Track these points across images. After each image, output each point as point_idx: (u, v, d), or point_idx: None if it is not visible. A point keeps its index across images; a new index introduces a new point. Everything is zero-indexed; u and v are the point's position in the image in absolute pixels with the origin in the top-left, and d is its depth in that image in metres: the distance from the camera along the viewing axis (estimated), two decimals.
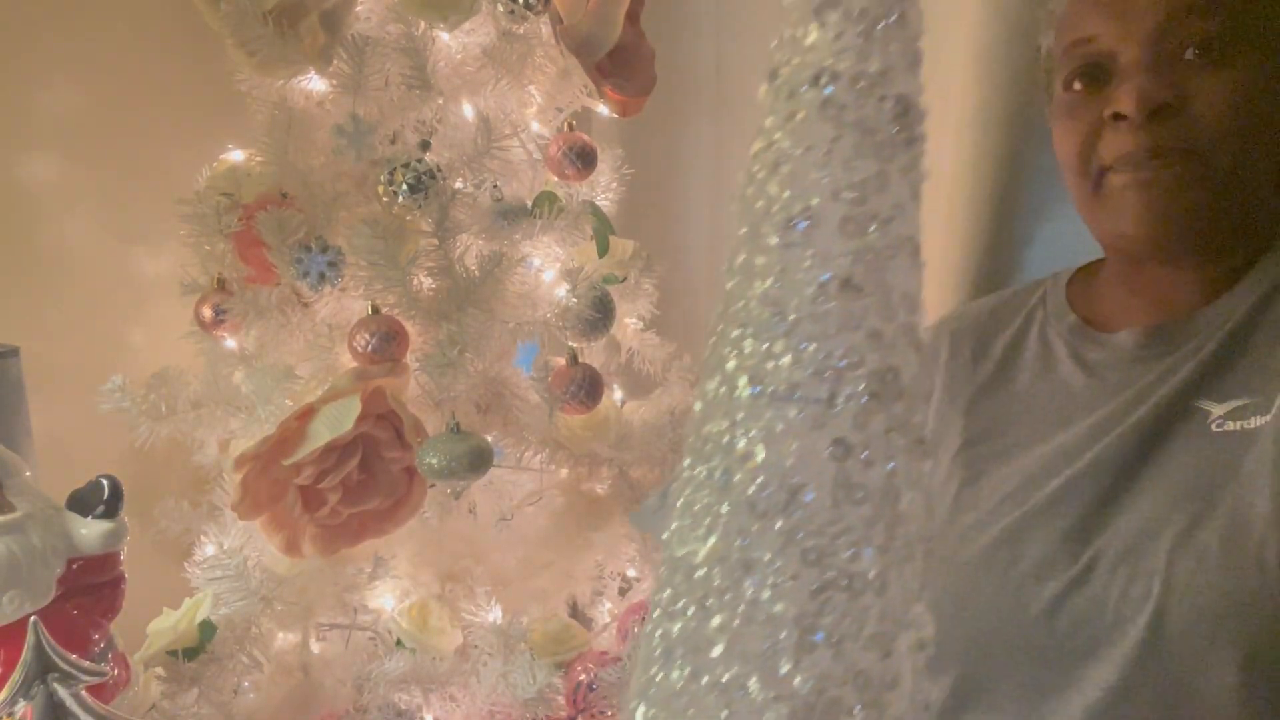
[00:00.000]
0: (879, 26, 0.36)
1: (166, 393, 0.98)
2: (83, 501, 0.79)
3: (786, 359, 0.37)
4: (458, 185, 1.00)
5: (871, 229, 0.37)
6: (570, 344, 1.06)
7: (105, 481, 0.80)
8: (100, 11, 1.12)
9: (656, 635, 0.42)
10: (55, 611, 0.76)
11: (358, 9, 0.98)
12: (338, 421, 0.89)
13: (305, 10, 0.94)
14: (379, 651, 1.00)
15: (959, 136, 1.10)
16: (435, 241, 0.98)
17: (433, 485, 0.99)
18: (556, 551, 1.10)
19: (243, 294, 0.99)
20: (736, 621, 0.39)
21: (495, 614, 1.01)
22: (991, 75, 1.07)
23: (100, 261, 1.16)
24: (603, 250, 1.12)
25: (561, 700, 0.99)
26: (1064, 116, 0.79)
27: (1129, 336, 0.80)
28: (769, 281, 0.38)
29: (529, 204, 1.05)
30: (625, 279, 1.15)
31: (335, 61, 0.95)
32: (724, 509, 0.39)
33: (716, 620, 0.39)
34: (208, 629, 0.96)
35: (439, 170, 0.97)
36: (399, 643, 1.00)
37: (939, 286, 1.15)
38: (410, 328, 0.98)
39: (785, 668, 0.38)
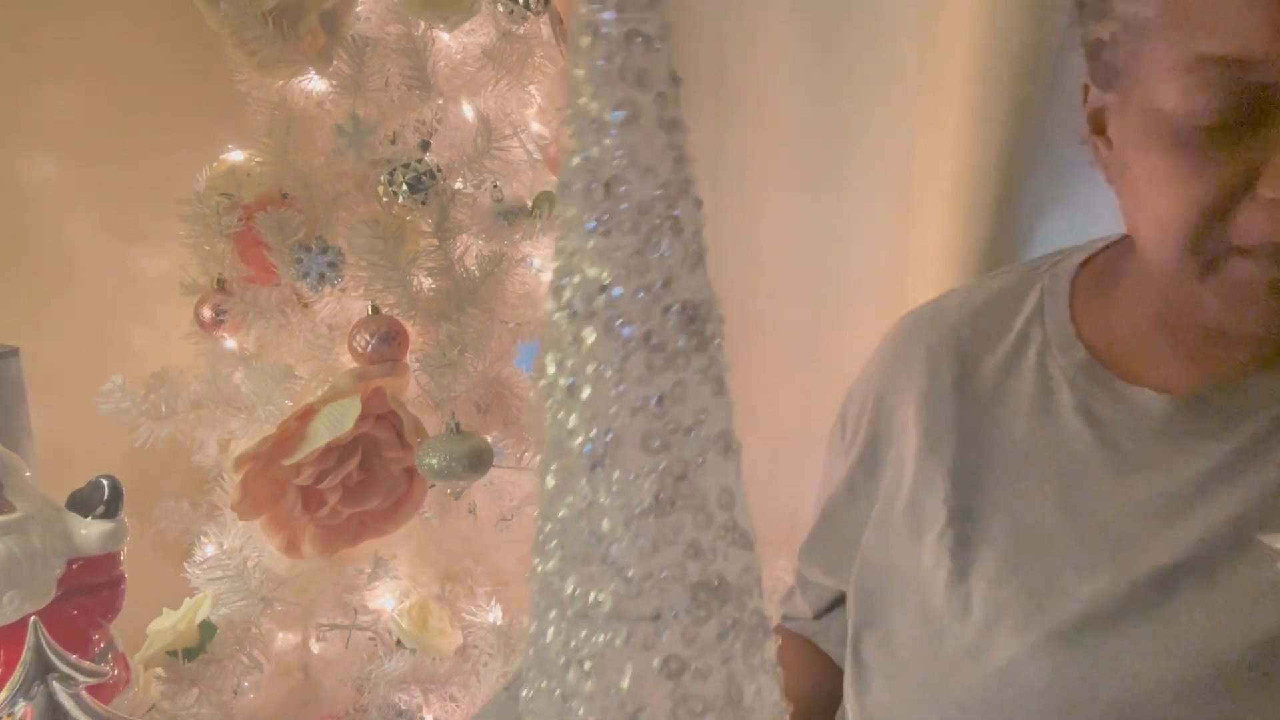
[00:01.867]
0: (653, 237, 0.35)
1: (166, 393, 0.98)
2: (83, 501, 0.79)
3: (609, 582, 0.37)
4: (458, 185, 1.00)
5: (675, 441, 0.36)
6: None
7: (105, 481, 0.80)
8: (100, 11, 1.12)
9: None
10: (55, 612, 0.76)
11: (358, 9, 0.98)
12: (338, 422, 0.89)
13: (305, 10, 0.93)
14: (379, 652, 1.00)
15: (958, 134, 1.10)
16: (435, 242, 0.98)
17: (433, 485, 0.99)
18: None
19: (243, 294, 0.99)
20: None
21: (495, 614, 1.01)
22: (991, 72, 1.07)
23: (100, 261, 1.16)
24: None
25: None
26: (1172, 153, 0.53)
27: (1157, 403, 0.61)
28: (581, 503, 0.37)
29: (529, 204, 1.05)
30: None
31: (335, 61, 0.95)
32: None
33: None
34: (208, 629, 0.96)
35: (439, 170, 0.97)
36: (399, 643, 1.00)
37: (938, 287, 1.15)
38: (410, 328, 0.98)
39: None
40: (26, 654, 0.68)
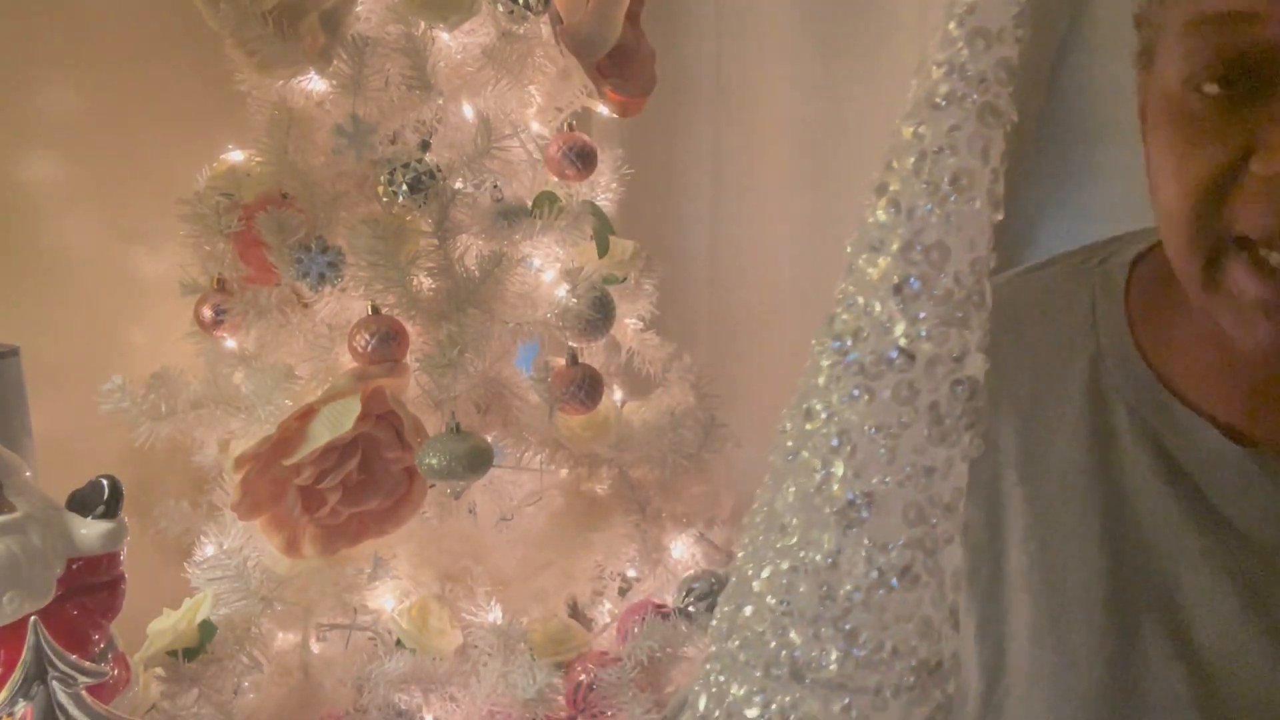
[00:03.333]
0: (959, 310, 0.35)
1: (166, 393, 0.98)
2: (83, 501, 0.79)
3: (835, 646, 0.36)
4: (458, 185, 1.00)
5: (934, 518, 0.36)
6: (570, 344, 1.06)
7: (105, 481, 0.80)
8: (100, 11, 1.12)
9: None
10: (55, 611, 0.76)
11: (358, 9, 0.98)
12: (338, 422, 0.89)
13: (305, 10, 0.93)
14: (379, 652, 1.00)
15: None
16: (435, 242, 0.98)
17: (433, 485, 0.99)
18: (556, 551, 1.10)
19: (243, 294, 0.99)
20: None
21: (495, 614, 1.01)
22: None
23: (100, 261, 1.16)
24: (603, 250, 1.12)
25: (561, 700, 0.99)
26: (1174, 127, 0.49)
27: (1231, 453, 0.54)
28: (819, 559, 0.36)
29: (529, 204, 1.05)
30: (625, 279, 1.15)
31: (335, 61, 0.95)
32: None
33: None
34: (208, 629, 0.96)
35: (439, 170, 0.97)
36: (399, 643, 1.00)
37: None
38: (410, 328, 0.98)
39: None
40: (26, 654, 0.68)
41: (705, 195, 1.46)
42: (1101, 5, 1.05)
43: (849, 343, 0.36)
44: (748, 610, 0.38)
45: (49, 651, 0.69)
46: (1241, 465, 0.53)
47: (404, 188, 0.95)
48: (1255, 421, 0.54)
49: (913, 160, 0.35)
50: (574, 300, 1.03)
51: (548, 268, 1.09)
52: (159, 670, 0.93)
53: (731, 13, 1.37)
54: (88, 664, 0.72)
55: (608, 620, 1.14)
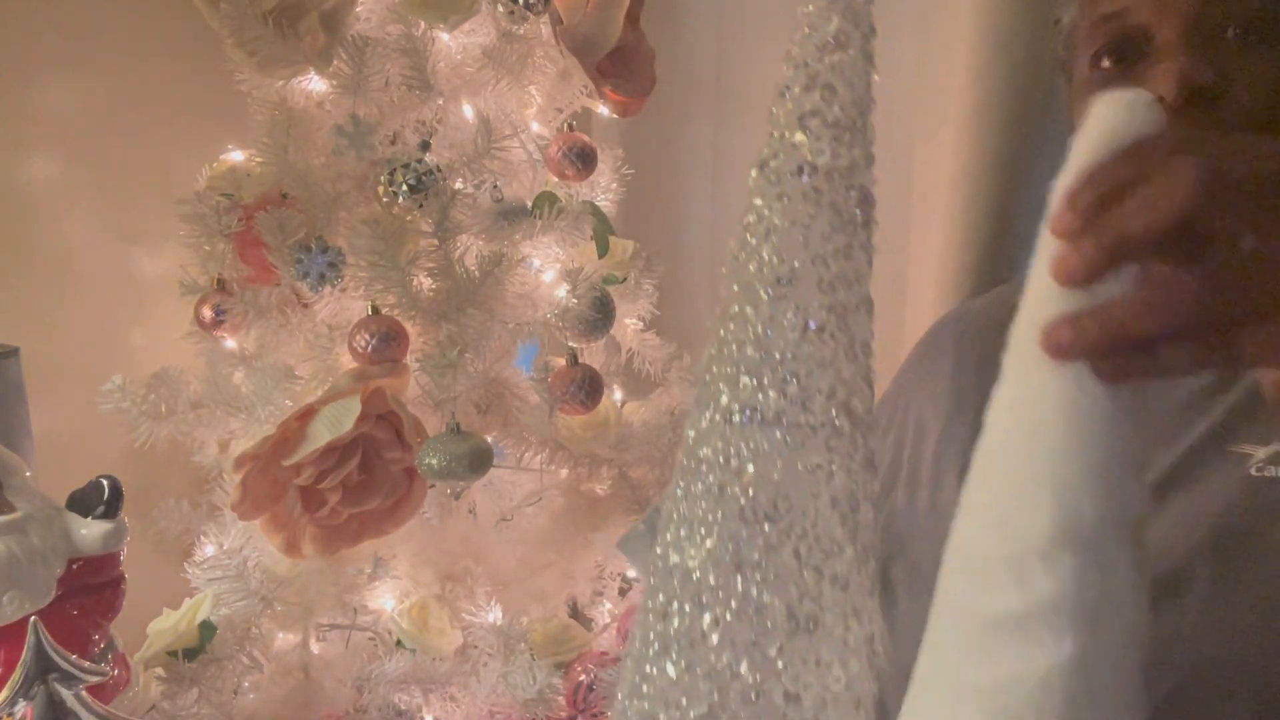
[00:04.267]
0: (848, 133, 0.46)
1: (166, 393, 0.98)
2: (83, 501, 0.79)
3: (773, 391, 0.46)
4: (458, 185, 1.00)
5: (840, 288, 0.47)
6: (570, 344, 1.06)
7: (105, 481, 0.80)
8: (100, 11, 1.12)
9: (650, 635, 0.48)
10: (55, 612, 0.76)
11: (358, 9, 0.98)
12: (338, 422, 0.89)
13: (305, 10, 0.93)
14: (379, 652, 1.00)
15: (957, 138, 1.10)
16: (435, 242, 0.98)
17: (433, 485, 0.99)
18: (556, 551, 1.10)
19: (243, 294, 0.98)
20: (729, 615, 0.46)
21: (495, 614, 1.01)
22: (988, 77, 1.07)
23: (100, 261, 1.16)
24: (603, 250, 1.12)
25: (561, 700, 0.99)
26: (1091, 94, 0.75)
27: None
28: (759, 328, 0.46)
29: (529, 204, 1.05)
30: (625, 279, 1.15)
31: (335, 61, 0.95)
32: (718, 516, 0.47)
33: (708, 616, 0.47)
34: (208, 629, 0.96)
35: (439, 170, 0.97)
36: (399, 643, 1.00)
37: (938, 288, 1.15)
38: (410, 328, 0.98)
39: (773, 652, 0.46)
40: (26, 654, 0.68)
41: (705, 195, 1.46)
42: None
43: (771, 164, 0.47)
44: (706, 380, 0.48)
45: (49, 651, 0.69)
46: None
47: (404, 188, 0.95)
48: None
49: (806, 30, 0.46)
50: (574, 300, 1.03)
51: (548, 268, 1.09)
52: (159, 670, 0.93)
53: (731, 13, 1.37)
54: (88, 664, 0.72)
55: (608, 620, 1.14)
